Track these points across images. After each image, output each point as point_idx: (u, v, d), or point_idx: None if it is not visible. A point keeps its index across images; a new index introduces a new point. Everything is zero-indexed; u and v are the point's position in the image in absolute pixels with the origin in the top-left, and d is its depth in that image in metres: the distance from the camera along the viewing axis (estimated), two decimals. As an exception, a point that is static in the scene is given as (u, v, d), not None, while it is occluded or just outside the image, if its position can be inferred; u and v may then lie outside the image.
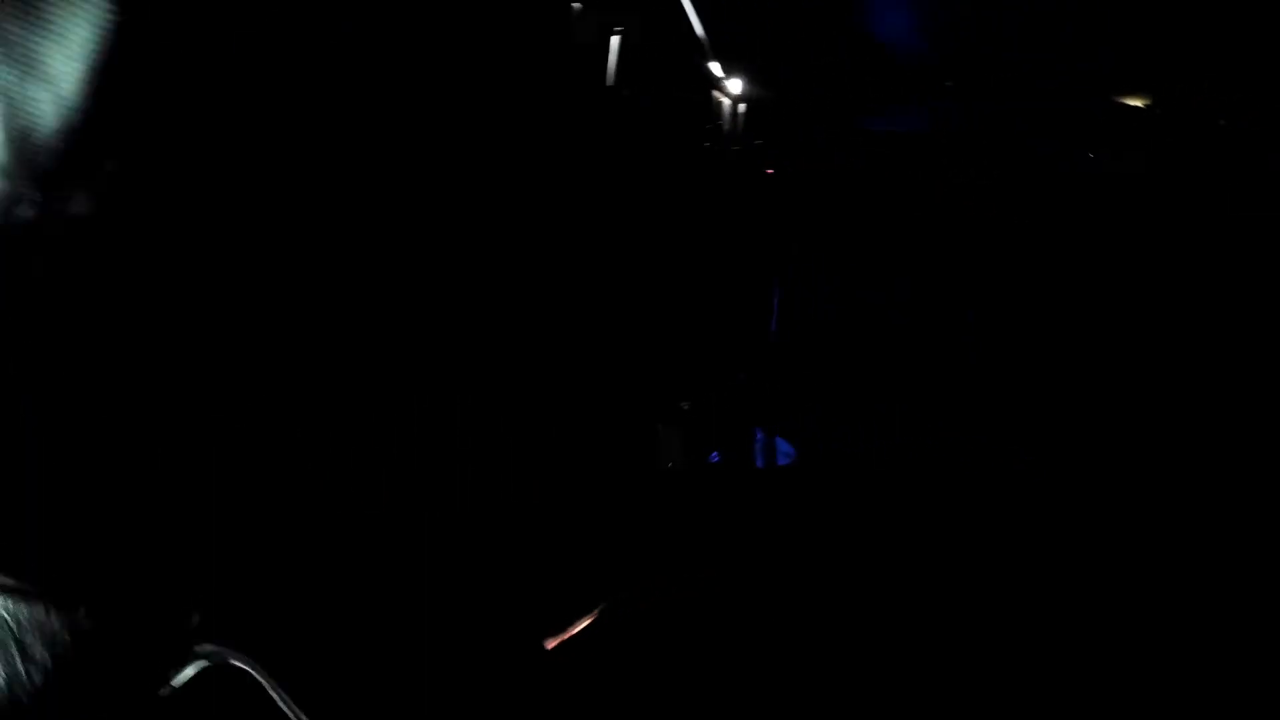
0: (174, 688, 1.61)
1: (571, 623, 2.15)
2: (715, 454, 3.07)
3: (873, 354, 3.46)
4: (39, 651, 1.45)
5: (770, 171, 3.04)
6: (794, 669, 2.09)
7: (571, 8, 2.33)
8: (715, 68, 2.67)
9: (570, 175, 2.34)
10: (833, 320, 3.56)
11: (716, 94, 2.75)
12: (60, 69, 1.41)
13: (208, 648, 1.63)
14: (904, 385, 3.31)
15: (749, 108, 2.86)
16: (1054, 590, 2.37)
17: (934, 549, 2.54)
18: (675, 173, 2.77)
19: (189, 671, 1.61)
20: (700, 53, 2.65)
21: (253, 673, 1.58)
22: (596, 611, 2.20)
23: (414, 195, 1.97)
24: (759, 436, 3.19)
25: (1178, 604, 2.32)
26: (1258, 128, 3.36)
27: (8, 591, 1.46)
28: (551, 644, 2.09)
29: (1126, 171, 3.38)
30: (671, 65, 2.73)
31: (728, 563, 2.51)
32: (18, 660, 1.42)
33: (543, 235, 2.27)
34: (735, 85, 2.74)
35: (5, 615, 1.44)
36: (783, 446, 3.21)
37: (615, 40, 2.43)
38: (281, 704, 1.55)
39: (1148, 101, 3.47)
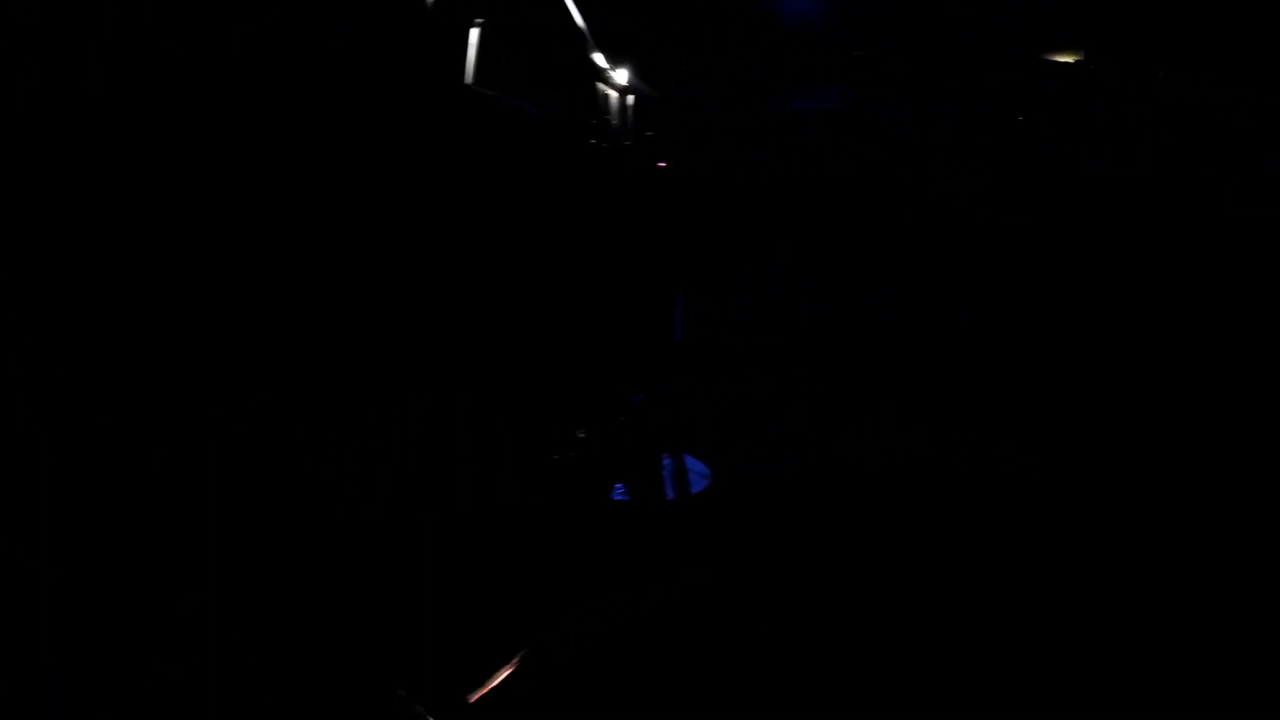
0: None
1: (490, 673, 2.07)
2: (619, 487, 2.77)
3: (862, 355, 3.47)
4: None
5: (663, 165, 2.80)
6: (788, 671, 2.10)
7: (424, 1, 2.13)
8: (599, 59, 2.47)
9: (421, 185, 2.13)
10: (822, 321, 3.55)
11: (602, 86, 2.54)
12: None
13: None
14: (894, 387, 3.31)
15: (639, 99, 2.65)
16: (1046, 592, 2.38)
17: (922, 551, 2.55)
18: (554, 174, 2.56)
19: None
20: (581, 44, 2.47)
21: None
22: (518, 659, 2.10)
23: (237, 211, 1.80)
24: (667, 463, 2.89)
25: (1172, 606, 2.33)
26: (1258, 127, 3.36)
27: None
28: (474, 698, 2.03)
29: (1122, 172, 3.38)
30: (547, 58, 2.53)
31: (717, 567, 2.49)
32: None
33: (396, 250, 2.09)
34: (622, 76, 2.53)
35: None
36: (696, 468, 2.92)
37: (475, 34, 2.23)
38: None
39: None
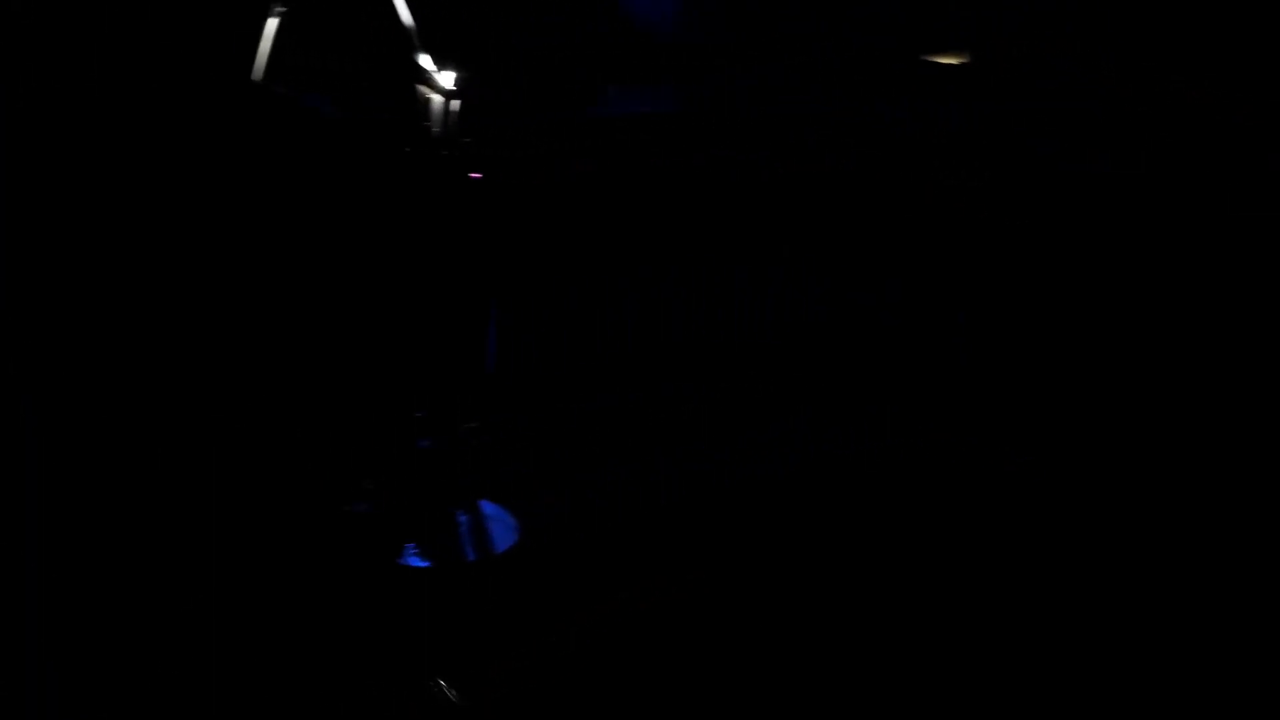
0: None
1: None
2: (411, 548, 2.33)
3: (863, 355, 3.46)
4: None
5: (477, 176, 2.43)
6: (788, 672, 2.10)
7: None
8: (425, 60, 2.23)
9: (187, 195, 1.89)
10: (822, 321, 3.54)
11: (424, 90, 2.29)
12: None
13: None
14: (894, 387, 3.30)
15: (465, 104, 2.37)
16: (1047, 594, 2.38)
17: (922, 551, 2.55)
18: (352, 184, 2.30)
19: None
20: (405, 42, 2.22)
21: None
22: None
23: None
24: (462, 519, 2.46)
25: (1173, 607, 2.33)
26: (1258, 127, 3.36)
27: None
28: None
29: (1123, 172, 3.38)
30: (363, 56, 2.33)
31: (719, 567, 2.48)
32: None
33: (160, 271, 1.84)
34: (448, 79, 2.28)
35: None
36: (503, 519, 2.51)
37: (272, 24, 2.02)
38: None
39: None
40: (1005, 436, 3.05)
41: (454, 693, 1.90)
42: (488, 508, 2.54)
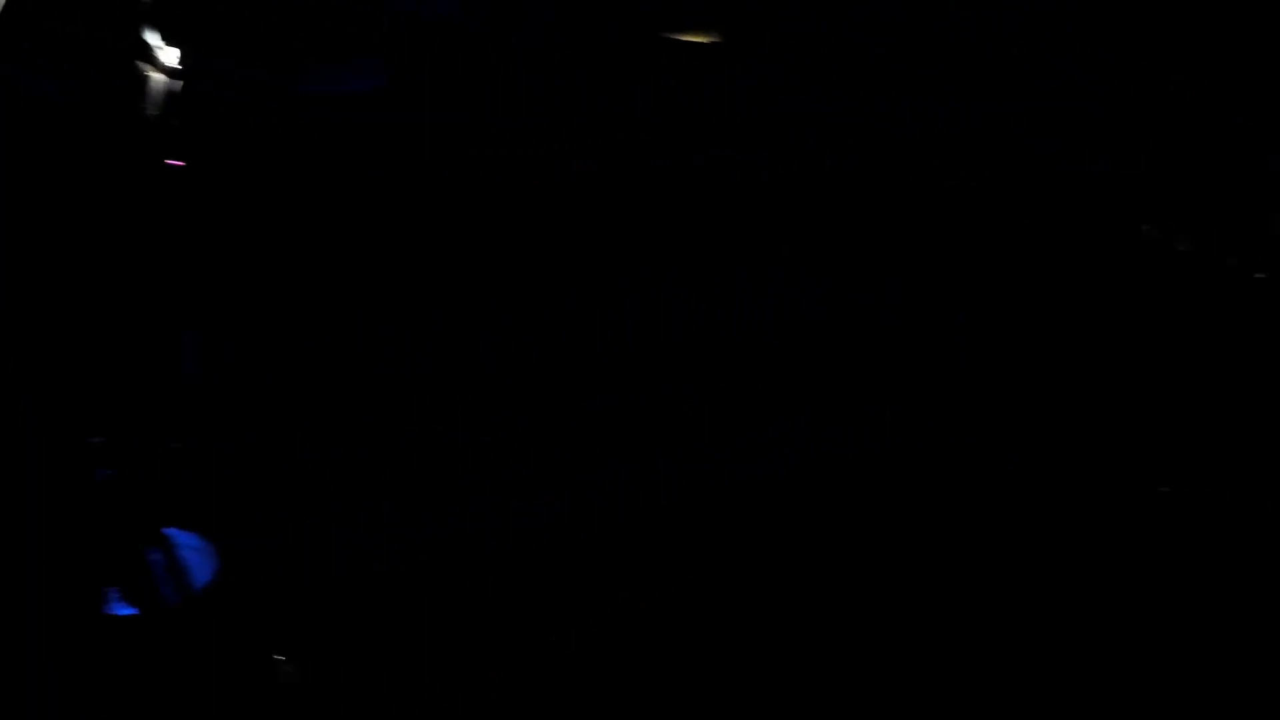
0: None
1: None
2: (114, 593, 2.06)
3: (863, 355, 3.46)
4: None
5: (181, 164, 2.20)
6: (790, 674, 2.10)
7: None
8: (153, 36, 2.09)
9: None
10: (822, 321, 3.54)
11: (146, 68, 2.12)
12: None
13: None
14: (894, 387, 3.30)
15: (188, 84, 2.17)
16: (1047, 594, 2.38)
17: (922, 551, 2.55)
18: (49, 173, 2.09)
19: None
20: (131, 15, 2.08)
21: None
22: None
23: None
24: (157, 558, 2.18)
25: (1174, 608, 2.34)
26: (1258, 127, 3.36)
27: None
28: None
29: (1123, 172, 3.38)
30: (87, 29, 2.14)
31: (718, 567, 2.48)
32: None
33: None
34: (172, 56, 2.12)
35: None
36: (201, 549, 2.23)
37: None
38: None
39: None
40: (1005, 436, 3.05)
41: (293, 669, 1.86)
42: (184, 538, 2.26)
